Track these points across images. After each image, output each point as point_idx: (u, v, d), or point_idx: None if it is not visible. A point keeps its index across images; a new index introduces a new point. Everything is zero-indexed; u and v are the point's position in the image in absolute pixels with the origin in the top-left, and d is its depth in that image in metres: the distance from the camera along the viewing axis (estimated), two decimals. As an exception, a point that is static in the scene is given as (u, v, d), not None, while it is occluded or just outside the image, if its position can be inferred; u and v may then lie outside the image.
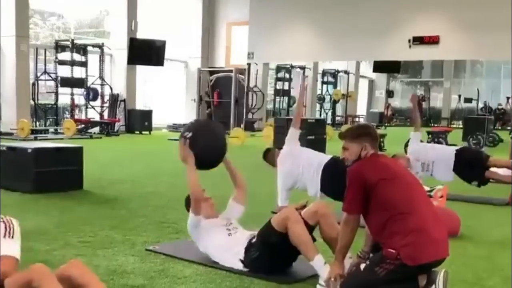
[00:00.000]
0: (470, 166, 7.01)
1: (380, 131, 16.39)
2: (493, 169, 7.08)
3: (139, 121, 18.43)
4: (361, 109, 32.18)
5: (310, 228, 3.67)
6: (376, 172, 3.28)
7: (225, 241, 3.89)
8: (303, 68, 24.02)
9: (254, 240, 3.78)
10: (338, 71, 26.95)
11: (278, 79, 23.52)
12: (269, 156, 5.96)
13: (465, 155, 7.12)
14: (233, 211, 4.22)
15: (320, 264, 3.47)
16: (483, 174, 6.99)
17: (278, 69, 23.08)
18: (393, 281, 3.11)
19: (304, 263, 3.64)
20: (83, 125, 16.94)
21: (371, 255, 3.38)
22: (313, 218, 3.69)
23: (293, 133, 5.73)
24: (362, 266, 3.30)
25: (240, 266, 3.76)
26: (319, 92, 26.84)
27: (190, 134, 4.05)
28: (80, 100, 18.03)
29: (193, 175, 3.99)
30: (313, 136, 11.29)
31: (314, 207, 3.76)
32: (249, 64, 18.89)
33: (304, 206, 3.82)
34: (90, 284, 2.36)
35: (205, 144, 4.05)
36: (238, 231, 3.99)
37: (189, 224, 4.03)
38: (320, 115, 26.44)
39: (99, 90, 17.85)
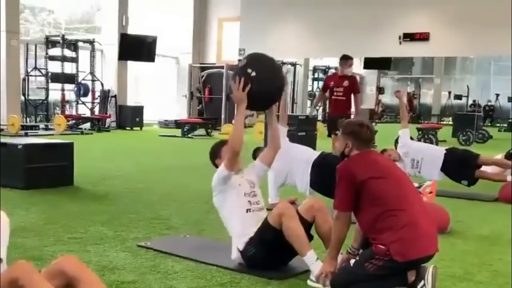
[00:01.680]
0: (460, 165, 7.05)
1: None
2: (482, 167, 7.13)
3: (130, 117, 18.40)
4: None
5: (308, 225, 3.66)
6: (365, 169, 3.30)
7: (240, 216, 3.78)
8: (294, 64, 24.03)
9: (252, 236, 3.76)
10: (329, 68, 26.94)
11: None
12: (258, 155, 5.97)
13: (454, 155, 7.17)
14: (256, 169, 4.09)
15: (312, 260, 3.48)
16: (473, 173, 7.03)
17: (269, 65, 23.06)
18: (382, 277, 3.14)
19: (297, 258, 3.66)
20: (74, 121, 16.88)
21: (360, 251, 3.40)
22: (309, 213, 3.68)
23: (281, 130, 5.73)
24: (352, 261, 3.33)
25: (236, 253, 3.75)
26: (310, 88, 26.87)
27: (254, 73, 3.73)
28: (70, 96, 17.97)
29: (240, 126, 3.77)
30: (304, 132, 11.31)
31: (310, 203, 3.76)
32: (240, 60, 18.86)
33: (293, 202, 3.83)
34: (86, 278, 2.36)
35: (264, 88, 3.75)
36: (256, 211, 3.84)
37: (218, 177, 3.82)
38: (311, 111, 26.47)
39: (90, 86, 17.79)
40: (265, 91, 3.78)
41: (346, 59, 9.01)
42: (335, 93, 8.82)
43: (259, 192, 3.99)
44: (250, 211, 3.82)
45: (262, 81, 3.73)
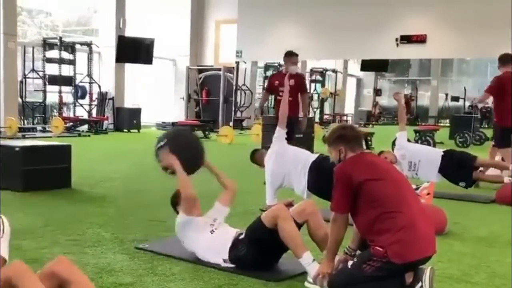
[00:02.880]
0: (457, 167, 7.07)
1: (367, 129, 16.50)
2: (480, 169, 7.15)
3: (128, 119, 18.39)
4: (349, 107, 32.28)
5: (298, 226, 3.71)
6: (363, 171, 3.31)
7: (208, 239, 3.90)
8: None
9: (242, 236, 3.81)
10: (326, 70, 26.98)
11: (266, 78, 23.52)
12: (257, 157, 5.99)
13: (452, 158, 7.17)
14: (217, 212, 4.19)
15: (309, 261, 3.50)
16: (470, 175, 7.05)
17: (267, 67, 23.10)
18: (380, 278, 3.14)
19: (293, 260, 3.66)
20: (71, 123, 16.87)
21: (357, 252, 3.41)
22: (301, 216, 3.74)
23: (280, 133, 5.75)
24: (349, 263, 3.33)
25: (223, 263, 3.78)
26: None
27: (163, 143, 4.12)
28: (68, 98, 17.97)
29: (184, 175, 3.97)
30: (301, 134, 11.30)
31: (302, 206, 3.80)
32: (237, 63, 18.89)
33: (290, 204, 3.85)
34: (76, 280, 2.36)
35: (180, 152, 4.05)
36: (221, 228, 3.99)
37: (179, 224, 4.01)
38: (308, 113, 26.49)
39: (88, 88, 17.80)
40: (183, 151, 4.08)
41: (289, 56, 8.25)
42: (280, 93, 7.91)
43: (221, 218, 4.13)
44: (213, 232, 3.94)
45: (173, 143, 4.13)
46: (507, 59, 7.89)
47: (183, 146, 4.15)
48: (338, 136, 3.50)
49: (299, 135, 11.12)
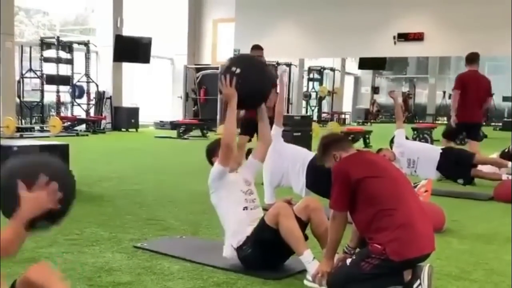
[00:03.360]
0: (456, 165, 7.08)
1: (366, 127, 16.52)
2: (478, 167, 7.16)
3: (126, 119, 18.40)
4: (347, 105, 32.32)
5: (303, 225, 3.67)
6: (361, 169, 3.31)
7: (237, 216, 3.78)
8: (289, 65, 24.04)
9: (248, 235, 3.76)
10: (324, 68, 27.02)
11: (264, 76, 23.53)
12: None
13: (450, 155, 7.19)
14: (250, 166, 4.09)
15: (309, 259, 3.48)
16: (469, 172, 7.06)
17: (264, 66, 23.09)
18: (378, 276, 3.14)
19: (292, 258, 3.66)
20: (69, 123, 16.87)
21: (357, 250, 3.41)
22: (304, 213, 3.69)
23: (276, 131, 5.73)
24: (348, 261, 3.33)
25: (230, 252, 3.75)
26: (305, 89, 26.90)
27: (238, 70, 3.76)
28: (66, 97, 17.96)
29: (232, 121, 3.79)
30: (299, 132, 11.32)
31: (305, 202, 3.77)
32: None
33: (288, 202, 3.84)
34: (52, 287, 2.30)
35: (252, 84, 3.79)
36: (252, 209, 3.85)
37: (213, 174, 3.83)
38: (306, 111, 26.50)
39: (85, 88, 17.80)
40: (252, 87, 3.82)
41: (254, 49, 7.68)
42: None
43: (255, 190, 4.00)
44: (246, 209, 3.83)
45: (248, 77, 3.78)
46: (472, 59, 8.36)
47: (251, 83, 3.80)
48: (325, 146, 3.57)
49: (297, 133, 11.17)
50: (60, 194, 2.25)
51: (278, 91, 6.93)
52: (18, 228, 2.22)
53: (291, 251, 3.62)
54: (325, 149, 3.56)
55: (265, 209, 4.07)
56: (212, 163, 3.96)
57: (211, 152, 4.05)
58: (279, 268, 3.74)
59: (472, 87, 8.22)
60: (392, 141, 8.00)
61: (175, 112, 21.20)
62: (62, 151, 7.00)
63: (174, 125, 17.43)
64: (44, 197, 2.22)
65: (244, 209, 3.82)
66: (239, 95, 3.74)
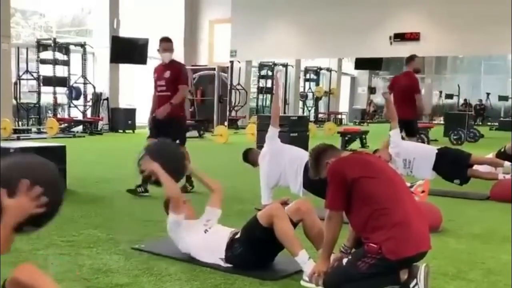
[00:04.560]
0: (452, 165, 7.09)
1: (362, 127, 16.55)
2: (474, 166, 7.18)
3: (123, 120, 18.38)
4: (344, 106, 32.33)
5: (293, 225, 3.71)
6: (357, 169, 3.32)
7: (202, 239, 3.91)
8: (285, 65, 24.08)
9: (237, 235, 3.81)
10: (321, 69, 27.04)
11: (261, 77, 23.58)
12: (250, 157, 5.98)
13: (446, 155, 7.20)
14: (209, 215, 4.19)
15: (305, 260, 3.51)
16: (465, 172, 7.07)
17: (261, 66, 23.13)
18: (374, 275, 3.15)
19: (289, 258, 3.67)
20: (66, 124, 16.86)
21: (353, 250, 3.42)
22: (296, 215, 3.75)
23: (273, 132, 5.74)
24: (345, 260, 3.34)
25: (221, 263, 3.79)
26: (301, 89, 26.92)
27: (143, 153, 4.25)
28: (62, 99, 17.95)
29: (166, 176, 4.03)
30: (296, 133, 11.34)
31: (297, 205, 3.81)
32: (232, 62, 18.90)
33: (285, 203, 3.86)
34: (41, 286, 2.30)
35: (161, 159, 4.11)
36: (214, 227, 4.02)
37: (170, 225, 4.03)
38: (303, 112, 26.53)
39: (82, 89, 17.78)
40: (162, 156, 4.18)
41: (161, 41, 7.34)
42: (158, 88, 7.13)
43: (214, 220, 4.14)
44: (207, 231, 3.97)
45: (152, 153, 4.22)
46: (406, 61, 9.34)
47: (163, 153, 4.24)
48: (316, 158, 3.63)
49: (294, 134, 11.17)
50: (45, 198, 2.19)
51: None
52: (5, 234, 2.18)
53: (280, 249, 3.69)
54: (317, 161, 3.62)
55: (259, 210, 4.09)
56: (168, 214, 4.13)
57: (166, 206, 4.19)
58: (276, 269, 3.76)
59: (398, 87, 8.93)
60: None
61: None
62: (59, 153, 7.01)
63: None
64: (26, 202, 2.17)
65: (205, 232, 3.97)
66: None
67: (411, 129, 8.78)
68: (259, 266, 3.72)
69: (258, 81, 23.77)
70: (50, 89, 17.00)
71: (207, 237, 3.93)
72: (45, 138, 14.49)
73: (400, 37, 15.22)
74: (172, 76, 7.00)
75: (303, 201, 3.98)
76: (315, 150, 3.69)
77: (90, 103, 18.16)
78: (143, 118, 19.42)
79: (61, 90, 17.41)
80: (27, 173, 2.22)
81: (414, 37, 15.05)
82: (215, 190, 4.37)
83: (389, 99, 7.85)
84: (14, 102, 16.15)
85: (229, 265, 3.77)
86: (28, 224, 2.23)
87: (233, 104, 20.21)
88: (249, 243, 3.72)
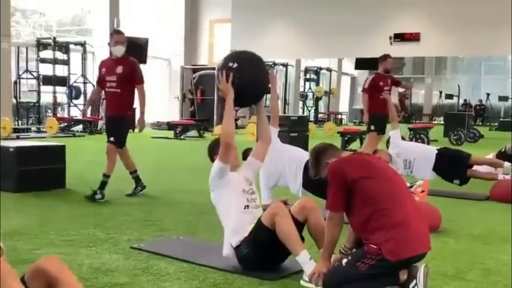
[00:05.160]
0: (452, 165, 7.09)
1: (362, 127, 16.49)
2: (474, 167, 7.18)
3: (122, 119, 18.34)
4: (343, 106, 32.34)
5: (300, 226, 3.67)
6: (357, 169, 3.32)
7: (238, 215, 3.78)
8: (285, 65, 24.07)
9: (245, 236, 3.77)
10: (321, 69, 27.04)
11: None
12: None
13: (446, 155, 7.21)
14: (251, 165, 4.11)
15: (305, 260, 3.49)
16: (465, 173, 7.08)
17: (261, 66, 23.10)
18: (374, 276, 3.15)
19: (290, 258, 3.67)
20: (65, 124, 16.84)
21: (353, 250, 3.42)
22: (301, 213, 3.69)
23: (272, 131, 5.73)
24: (344, 261, 3.34)
25: (230, 251, 3.74)
26: (301, 89, 26.92)
27: (235, 65, 3.78)
28: (62, 98, 17.94)
29: (229, 119, 3.81)
30: (296, 133, 11.34)
31: (302, 203, 3.76)
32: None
33: (284, 202, 3.84)
34: (65, 279, 2.33)
35: (249, 80, 3.79)
36: (253, 208, 3.85)
37: (214, 171, 3.84)
38: (303, 112, 26.54)
39: (82, 88, 17.78)
40: (250, 81, 3.81)
41: (115, 34, 6.82)
42: (107, 84, 6.50)
43: (256, 190, 4.01)
44: (247, 208, 3.83)
45: (245, 70, 3.79)
46: (380, 60, 9.50)
47: (248, 79, 3.80)
48: (316, 157, 3.62)
49: (294, 134, 11.16)
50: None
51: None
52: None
53: (288, 252, 3.63)
54: (317, 160, 3.60)
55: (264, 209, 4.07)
56: (213, 161, 3.96)
57: (212, 151, 4.05)
58: (275, 269, 3.75)
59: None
60: (388, 142, 8.02)
61: (172, 112, 21.18)
62: (58, 152, 7.02)
63: (171, 126, 17.42)
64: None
65: (245, 208, 3.83)
66: (236, 90, 3.76)
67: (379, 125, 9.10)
68: (267, 268, 3.67)
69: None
70: (50, 88, 17.00)
71: (243, 215, 3.78)
72: (44, 137, 14.48)
73: (400, 37, 15.24)
74: (124, 73, 6.43)
75: (308, 199, 3.95)
76: (316, 149, 3.68)
77: (90, 103, 18.15)
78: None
79: (61, 89, 17.41)
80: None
81: (414, 37, 15.07)
82: (263, 140, 4.23)
83: (389, 100, 7.86)
84: (14, 101, 16.15)
85: (233, 255, 3.72)
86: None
87: (233, 103, 20.17)
88: (254, 244, 3.66)
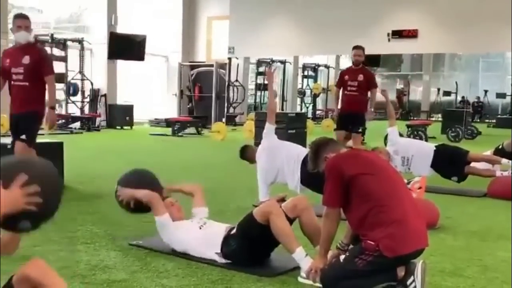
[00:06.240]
0: (450, 162, 7.11)
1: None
2: (472, 164, 7.19)
3: (120, 116, 18.36)
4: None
5: (290, 221, 3.71)
6: (354, 165, 3.32)
7: (198, 235, 3.91)
8: (283, 62, 24.05)
9: (233, 231, 3.81)
10: (318, 65, 27.01)
11: (259, 73, 23.54)
12: (247, 154, 5.98)
13: (444, 152, 7.21)
14: (199, 215, 4.20)
15: (301, 256, 3.51)
16: (463, 170, 7.09)
17: (259, 63, 23.09)
18: (372, 273, 3.15)
19: (286, 255, 3.67)
20: (63, 121, 16.82)
21: (350, 246, 3.42)
22: (293, 212, 3.74)
23: (270, 128, 5.74)
24: (342, 257, 3.35)
25: (217, 258, 3.79)
26: (299, 86, 26.90)
27: (115, 188, 4.33)
28: (60, 95, 17.88)
29: (137, 190, 4.15)
30: (294, 130, 11.35)
31: (293, 202, 3.80)
32: (230, 59, 18.88)
33: (283, 199, 3.85)
34: (50, 283, 2.30)
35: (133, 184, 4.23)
36: (209, 223, 4.02)
37: (158, 228, 4.05)
38: (301, 109, 26.52)
39: (80, 85, 17.74)
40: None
41: (16, 18, 5.90)
42: (14, 77, 5.90)
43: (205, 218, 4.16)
44: (202, 227, 3.97)
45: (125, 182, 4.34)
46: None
47: (133, 180, 4.29)
48: (315, 151, 3.62)
49: (292, 131, 11.17)
50: (39, 198, 2.10)
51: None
52: None
53: (275, 245, 3.69)
54: (316, 154, 3.60)
55: (256, 206, 4.08)
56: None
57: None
58: (273, 265, 3.76)
59: None
60: (386, 139, 8.03)
61: (170, 109, 21.16)
62: (56, 149, 7.01)
63: (168, 123, 17.41)
64: (18, 195, 2.08)
65: (200, 228, 3.96)
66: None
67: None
68: (255, 262, 3.71)
69: (256, 78, 23.73)
70: (47, 85, 16.93)
71: (202, 232, 3.92)
72: (42, 134, 14.42)
73: (398, 34, 15.24)
74: (32, 63, 5.76)
75: (300, 198, 3.98)
76: (316, 143, 3.68)
77: (87, 100, 18.13)
78: (140, 114, 19.49)
79: (59, 86, 17.33)
80: (27, 169, 2.16)
81: (412, 34, 15.07)
82: (194, 192, 4.39)
83: (387, 97, 7.86)
84: (12, 98, 16.10)
85: (224, 260, 3.76)
86: (20, 221, 2.14)
87: (231, 100, 20.17)
88: (244, 239, 3.71)
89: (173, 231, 3.99)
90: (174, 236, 3.99)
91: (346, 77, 8.61)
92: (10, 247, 2.30)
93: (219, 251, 3.79)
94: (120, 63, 19.08)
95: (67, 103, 17.74)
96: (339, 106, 8.95)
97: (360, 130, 8.61)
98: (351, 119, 8.54)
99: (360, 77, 8.50)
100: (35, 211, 2.12)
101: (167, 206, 4.07)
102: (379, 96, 9.00)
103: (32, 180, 2.12)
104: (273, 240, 3.63)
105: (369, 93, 8.64)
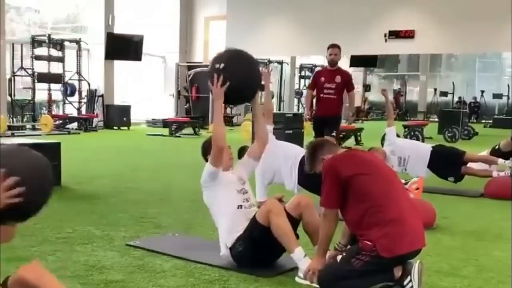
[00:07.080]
0: (446, 162, 7.12)
1: (357, 125, 16.56)
2: (468, 164, 7.20)
3: (118, 117, 18.35)
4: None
5: (295, 223, 3.69)
6: (352, 166, 3.32)
7: (232, 214, 3.78)
8: (280, 63, 24.06)
9: (240, 233, 3.77)
10: (316, 66, 26.99)
11: (256, 74, 23.53)
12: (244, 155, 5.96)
13: (441, 153, 7.23)
14: (246, 165, 4.10)
15: (300, 257, 3.50)
16: (459, 170, 7.10)
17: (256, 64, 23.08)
18: (369, 273, 3.16)
19: (284, 255, 3.68)
20: (60, 121, 16.81)
21: (348, 247, 3.43)
22: (296, 210, 3.71)
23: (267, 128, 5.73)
24: (339, 258, 3.35)
25: (225, 252, 3.76)
26: (296, 86, 26.91)
27: (222, 65, 3.72)
28: (57, 95, 17.89)
29: (219, 122, 3.84)
30: (291, 130, 11.35)
31: (297, 199, 3.78)
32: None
33: (280, 199, 3.85)
34: (45, 285, 2.29)
35: (238, 79, 3.71)
36: (247, 208, 3.84)
37: (205, 174, 3.84)
38: (298, 109, 26.51)
39: (77, 86, 17.72)
40: (239, 80, 3.74)
41: None
42: None
43: (250, 189, 4.01)
44: (241, 208, 3.83)
45: (233, 69, 3.73)
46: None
47: (237, 78, 3.72)
48: (312, 152, 3.62)
49: (289, 131, 11.17)
50: (21, 189, 2.06)
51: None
52: None
53: (283, 249, 3.64)
54: (312, 155, 3.60)
55: (258, 207, 4.07)
56: (207, 160, 3.95)
57: (206, 151, 4.01)
58: (271, 266, 3.76)
59: None
60: (383, 139, 8.04)
61: (167, 110, 21.15)
62: (53, 150, 7.00)
63: (166, 123, 17.41)
64: None
65: (238, 208, 3.83)
66: (227, 91, 3.70)
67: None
68: (261, 265, 3.68)
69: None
70: (44, 85, 16.93)
71: (236, 215, 3.78)
72: (39, 135, 14.45)
73: (395, 34, 15.24)
74: None
75: (303, 195, 3.97)
76: (313, 144, 3.68)
77: (85, 100, 18.11)
78: (137, 114, 19.49)
79: (56, 87, 17.34)
80: (4, 162, 2.08)
81: (409, 34, 15.07)
82: (261, 139, 4.20)
83: (387, 97, 7.85)
84: (9, 98, 16.09)
85: (231, 259, 3.73)
86: (7, 217, 2.11)
87: (228, 101, 20.16)
88: (250, 242, 3.67)
89: (216, 186, 3.84)
90: (213, 190, 3.85)
91: (322, 79, 8.04)
92: (5, 237, 2.27)
93: (230, 245, 3.74)
94: (118, 64, 19.07)
95: (64, 103, 17.72)
96: (314, 109, 8.38)
97: (333, 134, 7.91)
98: (325, 123, 8.04)
99: (338, 78, 8.00)
100: (20, 202, 2.07)
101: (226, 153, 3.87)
102: (379, 97, 8.96)
103: (12, 171, 2.06)
104: (278, 243, 3.56)
105: (346, 96, 8.21)
